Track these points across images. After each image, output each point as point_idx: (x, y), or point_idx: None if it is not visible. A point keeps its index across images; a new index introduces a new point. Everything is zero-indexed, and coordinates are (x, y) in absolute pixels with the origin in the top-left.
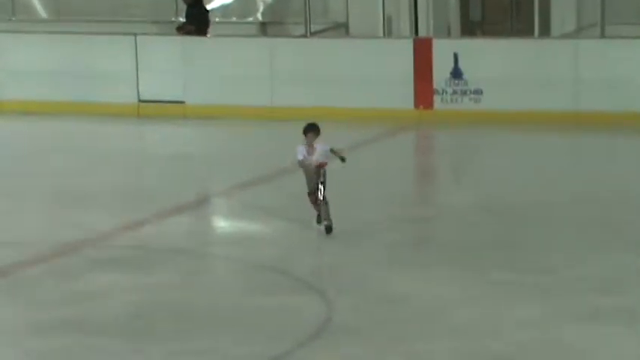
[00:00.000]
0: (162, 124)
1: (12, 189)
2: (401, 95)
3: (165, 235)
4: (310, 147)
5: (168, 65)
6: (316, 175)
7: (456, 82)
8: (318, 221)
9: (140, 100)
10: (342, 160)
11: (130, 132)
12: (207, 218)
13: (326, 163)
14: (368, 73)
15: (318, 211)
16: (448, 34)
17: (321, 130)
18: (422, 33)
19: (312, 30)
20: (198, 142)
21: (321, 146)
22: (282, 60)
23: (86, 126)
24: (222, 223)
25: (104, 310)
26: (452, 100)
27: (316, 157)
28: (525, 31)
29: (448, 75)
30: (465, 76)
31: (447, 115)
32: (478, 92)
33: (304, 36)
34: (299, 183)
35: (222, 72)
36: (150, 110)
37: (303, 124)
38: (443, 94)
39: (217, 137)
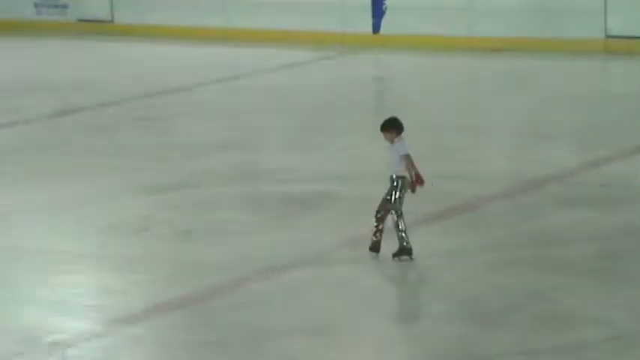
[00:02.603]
0: (630, 60)
1: (477, 125)
2: None
3: (629, 174)
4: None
5: (637, 0)
6: (389, 185)
7: None
8: (372, 248)
9: (607, 36)
10: (412, 189)
11: (595, 68)
12: None
13: (401, 177)
14: None
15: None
16: None
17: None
18: None
19: None
20: None
21: (399, 145)
22: None
23: (551, 63)
24: None
25: (568, 249)
26: None
27: (390, 155)
28: None
29: None
30: None
31: None
32: None
33: None
34: None
35: None
36: (617, 46)
37: None
38: None
39: None
